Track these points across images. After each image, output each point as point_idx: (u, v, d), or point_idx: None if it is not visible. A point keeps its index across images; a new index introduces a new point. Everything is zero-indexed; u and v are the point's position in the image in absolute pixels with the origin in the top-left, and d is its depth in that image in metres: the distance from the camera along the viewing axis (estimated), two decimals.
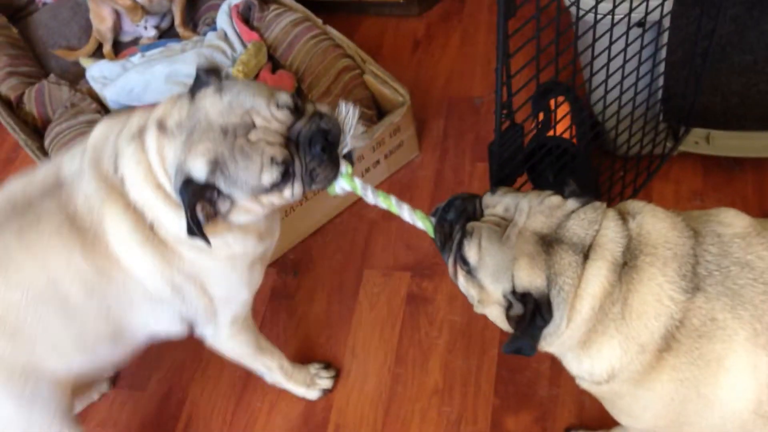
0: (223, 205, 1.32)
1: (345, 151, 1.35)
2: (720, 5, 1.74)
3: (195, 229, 1.27)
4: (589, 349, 1.20)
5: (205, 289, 1.47)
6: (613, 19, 1.61)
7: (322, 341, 1.95)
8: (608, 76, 1.71)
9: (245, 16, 2.42)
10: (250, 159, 1.26)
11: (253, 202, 1.33)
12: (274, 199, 1.35)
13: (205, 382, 1.93)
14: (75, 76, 2.43)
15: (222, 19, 2.40)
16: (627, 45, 1.66)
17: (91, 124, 2.02)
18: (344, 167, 1.35)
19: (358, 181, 1.37)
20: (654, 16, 1.70)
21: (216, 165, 1.27)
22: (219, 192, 1.29)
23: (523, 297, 1.18)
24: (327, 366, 1.89)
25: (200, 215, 1.29)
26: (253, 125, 1.27)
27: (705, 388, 1.15)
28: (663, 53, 1.79)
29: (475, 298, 1.29)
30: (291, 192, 1.34)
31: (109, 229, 1.36)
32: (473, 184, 2.18)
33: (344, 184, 1.36)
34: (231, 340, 1.63)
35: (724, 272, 1.15)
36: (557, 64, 1.53)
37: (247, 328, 1.65)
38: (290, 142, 1.30)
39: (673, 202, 2.03)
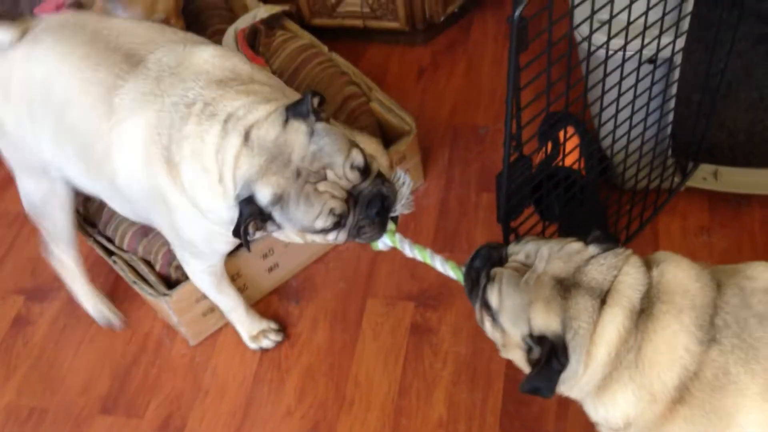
0: (270, 228, 1.45)
1: (392, 215, 1.50)
2: (732, 43, 1.74)
3: (243, 239, 1.41)
4: (604, 396, 1.21)
5: (177, 230, 1.62)
6: (624, 54, 1.61)
7: (325, 370, 1.92)
8: (618, 111, 1.71)
9: (251, 42, 2.41)
10: (311, 205, 1.39)
11: (297, 235, 1.47)
12: (316, 239, 1.47)
13: (205, 410, 1.89)
14: None
15: (228, 44, 2.39)
16: (637, 81, 1.67)
17: None
18: (389, 225, 1.50)
19: (398, 237, 1.53)
20: (665, 53, 1.70)
21: (279, 200, 1.39)
22: (271, 218, 1.42)
23: (540, 340, 1.19)
24: (279, 330, 1.98)
25: (250, 229, 1.41)
26: (325, 177, 1.39)
27: None
28: (673, 89, 1.80)
29: (499, 343, 1.31)
30: (335, 237, 1.47)
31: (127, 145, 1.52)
32: (478, 214, 2.17)
33: (387, 239, 1.52)
34: (193, 275, 1.80)
35: (741, 325, 1.14)
36: (567, 98, 1.53)
37: (211, 273, 1.78)
38: (351, 197, 1.43)
39: (680, 237, 2.02)
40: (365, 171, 1.43)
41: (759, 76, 2.09)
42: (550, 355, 1.17)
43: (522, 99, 1.42)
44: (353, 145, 1.43)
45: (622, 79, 1.65)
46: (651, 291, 1.18)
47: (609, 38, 1.56)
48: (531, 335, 1.20)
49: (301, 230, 1.44)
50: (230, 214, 1.45)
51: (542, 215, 2.01)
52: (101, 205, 1.98)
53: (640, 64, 1.66)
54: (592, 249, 1.23)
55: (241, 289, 1.97)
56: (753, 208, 2.05)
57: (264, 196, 1.38)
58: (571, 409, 1.76)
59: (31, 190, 1.85)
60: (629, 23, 1.56)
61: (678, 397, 1.14)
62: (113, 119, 1.53)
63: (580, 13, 1.56)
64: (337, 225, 1.43)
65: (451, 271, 1.46)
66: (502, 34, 2.65)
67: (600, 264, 1.20)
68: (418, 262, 2.06)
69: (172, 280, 1.90)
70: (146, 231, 1.94)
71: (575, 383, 1.21)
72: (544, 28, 1.35)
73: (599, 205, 2.01)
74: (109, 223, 1.96)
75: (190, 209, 1.52)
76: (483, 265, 1.32)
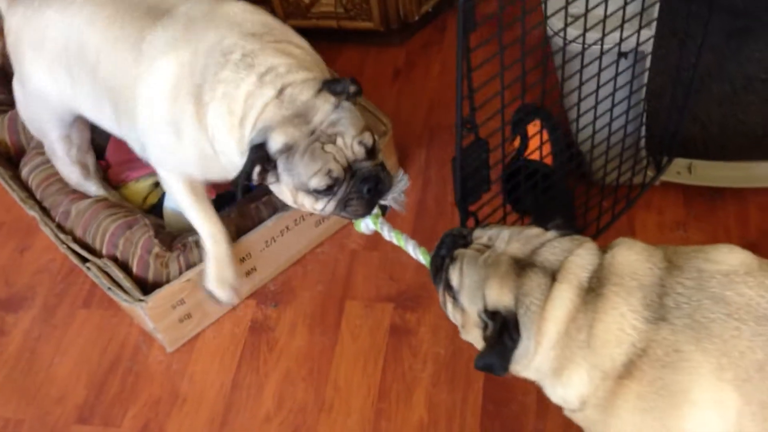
0: (270, 178, 1.55)
1: (382, 203, 1.61)
2: (703, 37, 1.75)
3: (240, 182, 1.50)
4: (560, 377, 1.23)
5: (174, 156, 1.71)
6: (583, 45, 1.61)
7: (304, 374, 1.90)
8: (580, 100, 1.71)
9: None
10: (314, 160, 1.50)
11: (290, 191, 1.56)
12: (306, 202, 1.57)
13: (183, 418, 1.87)
14: None
15: None
16: (600, 71, 1.66)
17: None
18: (375, 210, 1.60)
19: (380, 220, 1.62)
20: (631, 44, 1.70)
21: (288, 149, 1.50)
22: (274, 167, 1.52)
23: (493, 315, 1.23)
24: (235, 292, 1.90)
25: (255, 174, 1.51)
26: (334, 142, 1.51)
27: (670, 421, 1.14)
28: (643, 82, 1.80)
29: (459, 323, 1.35)
30: (323, 206, 1.57)
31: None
32: (455, 213, 2.13)
33: (370, 222, 1.62)
34: (171, 188, 1.82)
35: (694, 305, 1.14)
36: (524, 82, 1.51)
37: (188, 188, 1.79)
38: (349, 170, 1.54)
39: (657, 232, 2.03)
40: (370, 153, 1.55)
41: (731, 70, 2.10)
42: (502, 330, 1.21)
43: (477, 81, 1.42)
44: (369, 129, 1.56)
45: (582, 68, 1.65)
46: (602, 272, 1.21)
47: (585, 31, 1.57)
48: (486, 310, 1.24)
49: (296, 186, 1.54)
50: (240, 159, 1.55)
51: (514, 207, 2.02)
52: (81, 213, 1.95)
53: (601, 54, 1.65)
54: (550, 234, 1.29)
55: None
56: (727, 202, 2.06)
57: (276, 142, 1.49)
58: (551, 409, 1.73)
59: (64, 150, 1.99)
60: (606, 17, 1.56)
61: (626, 372, 1.15)
62: (143, 62, 1.64)
63: (552, 6, 1.57)
64: (329, 190, 1.53)
65: (421, 256, 1.54)
66: (476, 33, 2.64)
67: (554, 246, 1.25)
68: (396, 264, 2.09)
69: (149, 283, 1.87)
70: (130, 223, 1.91)
71: (529, 363, 1.24)
72: (495, 11, 1.35)
73: (568, 197, 2.01)
74: (89, 226, 1.93)
75: (201, 144, 1.62)
76: (448, 251, 1.37)
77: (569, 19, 1.54)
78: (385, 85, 2.55)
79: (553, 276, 1.22)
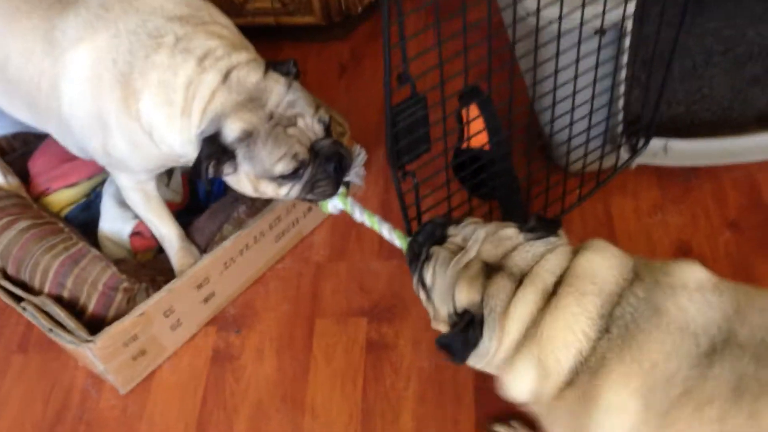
0: (227, 169, 1.46)
1: (345, 179, 1.54)
2: (662, 13, 1.66)
3: (203, 176, 1.42)
4: (510, 368, 1.23)
5: (110, 150, 1.60)
6: (537, 22, 1.50)
7: (277, 404, 1.73)
8: (555, 88, 1.60)
9: None
10: (278, 146, 1.43)
11: (251, 180, 1.49)
12: (268, 189, 1.50)
13: None
14: None
15: None
16: (558, 49, 1.55)
17: None
18: (341, 189, 1.54)
19: (349, 200, 1.56)
20: (612, 19, 1.61)
21: (248, 136, 1.42)
22: (231, 158, 1.44)
23: (462, 314, 1.24)
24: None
25: (210, 169, 1.43)
26: (295, 124, 1.45)
27: (583, 422, 1.16)
28: (621, 62, 1.70)
29: (431, 315, 1.36)
30: (288, 190, 1.50)
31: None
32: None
33: (337, 202, 1.55)
34: (124, 191, 1.77)
35: (635, 315, 1.15)
36: (465, 37, 1.38)
37: (140, 190, 1.74)
38: (312, 151, 1.48)
39: (634, 217, 1.94)
40: (327, 130, 1.51)
41: (690, 45, 2.04)
42: (468, 325, 1.22)
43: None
44: (320, 105, 1.52)
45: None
46: (565, 274, 1.20)
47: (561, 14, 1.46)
48: (455, 312, 1.25)
49: (260, 174, 1.46)
50: (183, 148, 1.49)
51: (470, 192, 1.90)
52: (8, 247, 1.73)
53: (560, 32, 1.54)
54: (524, 236, 1.27)
55: (175, 326, 1.76)
56: (702, 180, 2.00)
57: (232, 130, 1.42)
58: None
59: None
60: None
61: (569, 380, 1.16)
62: (56, 52, 1.54)
63: None
64: (295, 174, 1.47)
65: (397, 240, 1.51)
66: (422, 21, 2.51)
67: (526, 251, 1.24)
68: (365, 274, 1.94)
69: (107, 321, 1.67)
70: (76, 258, 1.71)
71: (490, 360, 1.24)
72: None
73: (514, 182, 1.89)
74: (22, 263, 1.71)
75: (133, 135, 1.53)
76: (425, 241, 1.36)
77: None
78: (332, 83, 2.39)
79: (520, 280, 1.21)
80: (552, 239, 1.27)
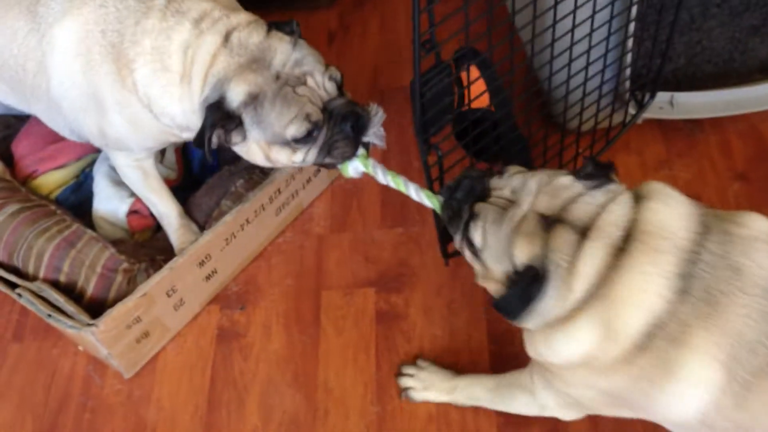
0: (235, 137, 1.38)
1: (365, 140, 1.44)
2: None
3: (206, 147, 1.33)
4: (565, 327, 1.14)
5: (106, 130, 1.53)
6: None
7: (289, 380, 1.69)
8: (554, 40, 1.54)
9: None
10: (288, 107, 1.34)
11: (262, 148, 1.40)
12: (282, 156, 1.40)
13: None
14: None
15: None
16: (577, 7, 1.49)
17: None
18: (360, 150, 1.44)
19: (370, 161, 1.45)
20: None
21: (254, 99, 1.34)
22: (239, 124, 1.35)
23: (525, 271, 1.15)
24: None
25: (214, 138, 1.34)
26: (305, 83, 1.36)
27: (654, 390, 1.10)
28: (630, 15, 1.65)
29: (480, 274, 1.28)
30: (303, 156, 1.41)
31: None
32: (422, 181, 1.97)
33: (358, 164, 1.45)
34: (120, 170, 1.69)
35: (714, 276, 1.07)
36: (467, 20, 1.31)
37: (138, 168, 1.67)
38: (325, 111, 1.38)
39: (640, 173, 1.91)
40: (340, 89, 1.42)
41: None
42: (531, 280, 1.13)
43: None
44: (330, 64, 1.43)
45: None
46: (633, 229, 1.11)
47: None
48: (515, 271, 1.16)
49: (270, 140, 1.38)
50: (186, 118, 1.42)
51: (476, 157, 1.85)
52: None
53: None
54: (582, 185, 1.17)
55: (177, 306, 1.70)
56: (707, 133, 1.97)
57: (237, 94, 1.34)
58: None
59: None
60: None
61: (642, 344, 1.08)
62: (41, 29, 1.45)
63: None
64: (309, 136, 1.38)
65: (426, 199, 1.41)
66: None
67: (587, 202, 1.15)
68: (369, 244, 1.89)
69: (108, 303, 1.61)
70: (72, 240, 1.64)
71: (546, 319, 1.15)
72: None
73: (522, 142, 1.84)
74: (14, 248, 1.64)
75: (130, 110, 1.45)
76: (465, 197, 1.27)
77: None
78: (322, 51, 2.30)
79: (583, 233, 1.12)
80: (612, 187, 1.17)
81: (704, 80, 1.99)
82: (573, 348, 1.14)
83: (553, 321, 1.16)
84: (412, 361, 1.65)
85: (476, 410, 1.59)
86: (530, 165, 1.85)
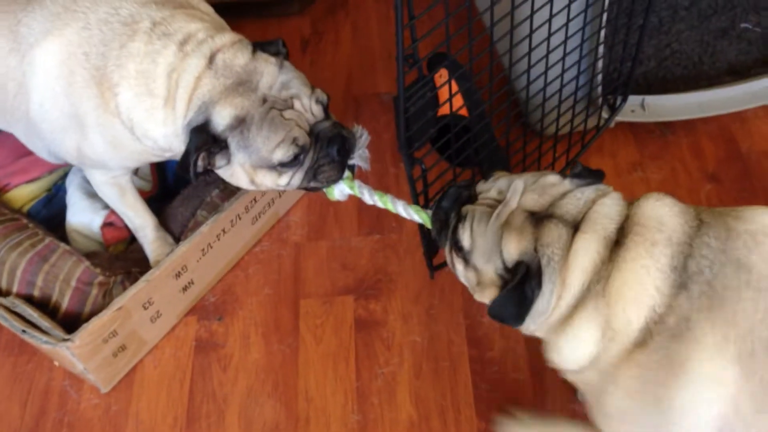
0: (219, 161, 1.36)
1: (350, 163, 1.43)
2: None
3: (191, 170, 1.32)
4: (567, 329, 1.12)
5: (85, 151, 1.51)
6: None
7: (269, 390, 1.68)
8: (531, 49, 1.55)
9: None
10: (275, 131, 1.32)
11: (247, 171, 1.38)
12: (267, 180, 1.39)
13: None
14: None
15: None
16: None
17: None
18: (345, 173, 1.43)
19: (356, 183, 1.45)
20: None
21: (240, 123, 1.32)
22: (224, 147, 1.34)
23: (514, 267, 1.12)
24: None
25: (200, 162, 1.33)
26: (292, 107, 1.35)
27: (663, 392, 1.06)
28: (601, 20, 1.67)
29: (473, 284, 1.23)
30: (288, 179, 1.39)
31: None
32: (401, 186, 1.98)
33: (344, 187, 1.45)
34: (96, 187, 1.67)
35: (715, 270, 1.04)
36: (470, 11, 1.32)
37: (115, 185, 1.65)
38: (312, 134, 1.37)
39: (614, 175, 1.93)
40: (326, 111, 1.41)
41: (654, 1, 2.03)
42: (524, 279, 1.10)
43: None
44: (315, 87, 1.42)
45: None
46: (627, 223, 1.10)
47: None
48: (506, 268, 1.13)
49: (256, 163, 1.36)
50: (168, 141, 1.40)
51: (454, 163, 1.86)
52: None
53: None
54: (569, 183, 1.17)
55: (154, 318, 1.69)
56: (678, 135, 1.99)
57: (223, 117, 1.32)
58: (547, 380, 1.62)
59: None
60: None
61: (640, 339, 1.06)
62: (22, 49, 1.43)
63: None
64: (296, 160, 1.36)
65: (415, 214, 1.40)
66: None
67: (577, 198, 1.13)
68: (346, 251, 1.89)
69: (83, 318, 1.59)
70: (44, 254, 1.62)
71: (546, 318, 1.13)
72: None
73: (498, 147, 1.85)
74: None
75: (112, 132, 1.43)
76: (452, 205, 1.25)
77: None
78: (294, 59, 2.29)
79: (575, 227, 1.11)
80: (601, 186, 1.17)
81: (674, 83, 2.02)
82: (580, 349, 1.12)
83: (555, 324, 1.14)
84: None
85: (457, 418, 1.59)
86: (507, 162, 1.86)
